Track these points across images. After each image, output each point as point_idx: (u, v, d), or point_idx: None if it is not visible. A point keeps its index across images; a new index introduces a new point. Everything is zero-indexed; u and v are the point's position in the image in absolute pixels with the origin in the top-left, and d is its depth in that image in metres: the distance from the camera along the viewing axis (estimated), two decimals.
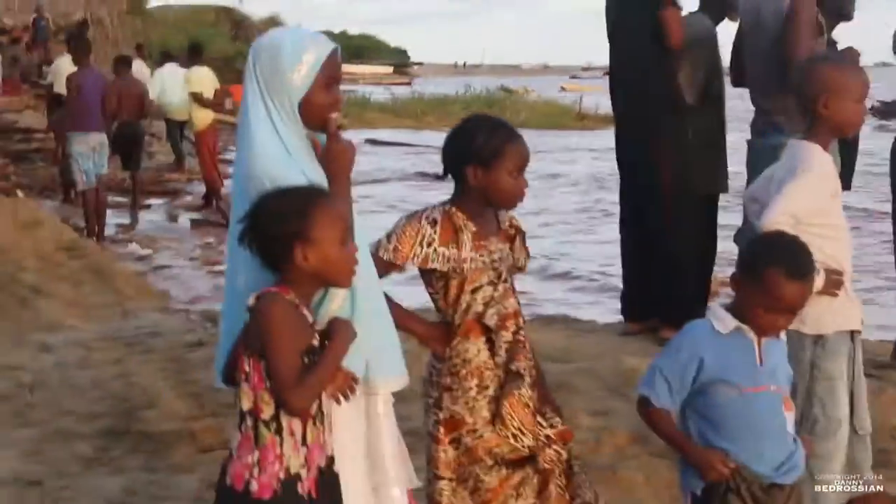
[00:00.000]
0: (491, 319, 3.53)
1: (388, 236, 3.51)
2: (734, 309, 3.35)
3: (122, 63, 14.78)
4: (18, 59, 25.94)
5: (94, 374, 6.42)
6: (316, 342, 2.79)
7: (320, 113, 3.04)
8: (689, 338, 3.41)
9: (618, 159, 6.97)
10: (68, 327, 7.61)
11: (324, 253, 2.78)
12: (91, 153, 12.13)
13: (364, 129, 30.23)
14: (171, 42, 36.86)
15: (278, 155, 2.97)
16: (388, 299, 3.58)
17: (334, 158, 3.06)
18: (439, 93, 41.63)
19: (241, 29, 46.29)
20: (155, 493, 4.78)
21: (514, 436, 3.52)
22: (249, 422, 2.77)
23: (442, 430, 3.54)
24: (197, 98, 15.11)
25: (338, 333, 2.82)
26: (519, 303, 3.66)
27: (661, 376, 3.38)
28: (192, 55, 16.11)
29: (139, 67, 19.40)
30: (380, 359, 3.13)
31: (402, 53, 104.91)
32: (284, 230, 2.77)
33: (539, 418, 3.60)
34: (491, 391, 3.53)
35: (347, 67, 76.89)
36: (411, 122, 33.47)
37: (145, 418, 5.67)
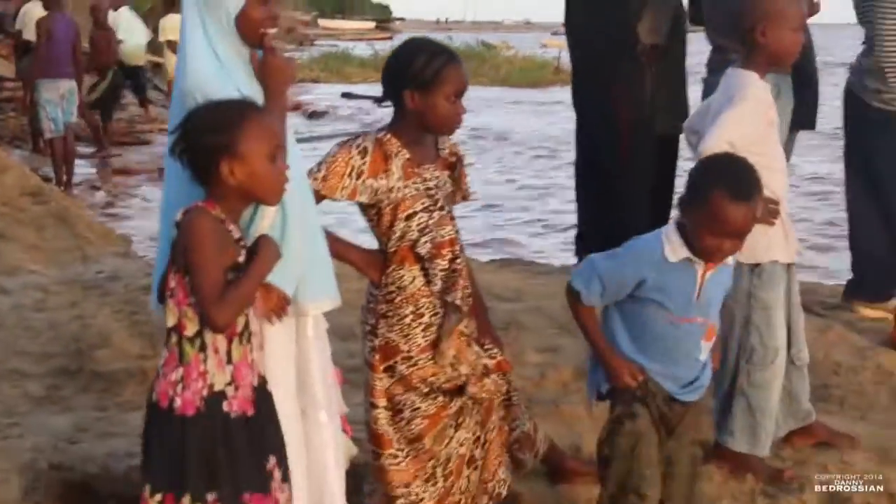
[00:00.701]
0: (423, 247, 3.50)
1: (319, 165, 3.46)
2: (684, 234, 3.32)
3: (96, 10, 14.70)
4: None
5: (49, 317, 6.37)
6: (242, 259, 2.75)
7: (255, 27, 2.99)
8: (636, 255, 3.38)
9: (574, 105, 6.91)
10: (28, 271, 7.53)
11: (251, 168, 2.73)
12: (60, 101, 12.01)
13: (342, 83, 30.03)
14: None
15: (212, 70, 2.93)
16: (323, 228, 3.60)
17: (270, 73, 3.01)
18: None
19: None
20: (104, 430, 4.75)
21: (451, 364, 3.52)
22: (174, 339, 2.75)
23: (377, 356, 3.53)
24: (171, 46, 15.00)
25: (262, 250, 2.78)
26: (457, 231, 3.62)
27: (598, 278, 3.37)
28: (167, 3, 15.96)
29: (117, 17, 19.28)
30: (310, 280, 3.11)
31: (385, 9, 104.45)
32: (211, 143, 2.71)
33: (477, 348, 3.60)
34: (426, 319, 3.51)
35: (329, 23, 76.78)
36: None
37: (97, 358, 5.63)
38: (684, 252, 3.31)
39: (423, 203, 3.51)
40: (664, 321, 3.34)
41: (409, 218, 3.50)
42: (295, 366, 3.13)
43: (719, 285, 3.42)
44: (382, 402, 3.55)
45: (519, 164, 16.81)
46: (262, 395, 2.84)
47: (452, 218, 3.62)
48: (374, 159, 3.45)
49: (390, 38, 65.23)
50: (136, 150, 16.16)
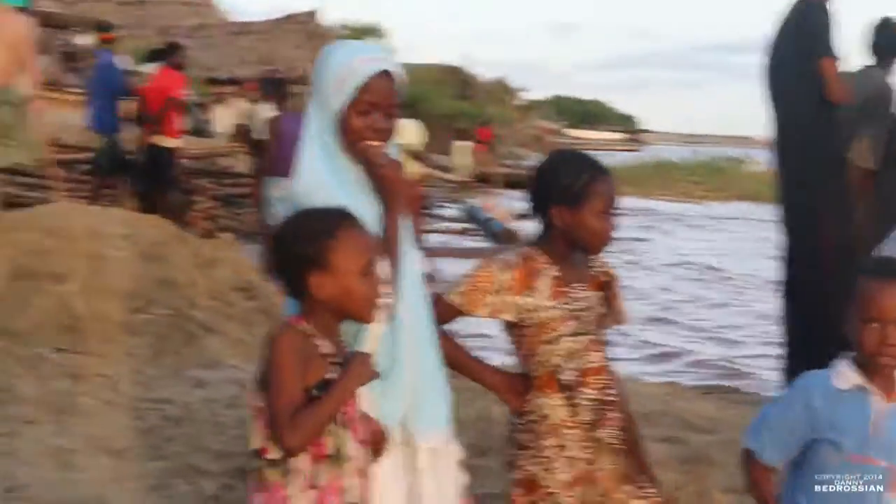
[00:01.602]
0: (567, 374, 3.24)
1: (462, 280, 3.26)
2: (860, 365, 2.93)
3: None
4: None
5: (239, 414, 6.35)
6: (333, 376, 2.56)
7: (354, 138, 2.82)
8: (801, 388, 3.01)
9: (782, 224, 6.53)
10: (228, 366, 7.61)
11: (340, 283, 2.57)
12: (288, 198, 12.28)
13: None
14: None
15: (322, 174, 2.80)
16: (459, 346, 3.36)
17: (382, 186, 2.84)
18: (664, 158, 40.98)
19: (467, 88, 46.99)
20: None
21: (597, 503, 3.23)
22: (256, 463, 2.58)
23: (518, 491, 3.26)
24: (406, 151, 15.22)
25: (348, 369, 2.58)
26: (608, 357, 3.35)
27: (767, 427, 3.02)
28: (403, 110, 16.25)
29: None
30: (420, 408, 2.88)
31: (632, 120, 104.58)
32: (300, 254, 2.58)
33: (628, 487, 3.29)
34: (571, 452, 3.23)
35: (576, 133, 77.59)
36: (632, 189, 32.95)
37: None
38: (856, 378, 2.92)
39: (569, 325, 3.25)
40: (837, 462, 2.91)
41: (553, 341, 3.24)
42: (405, 500, 2.87)
43: None
44: None
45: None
46: None
47: (603, 343, 3.34)
48: (519, 276, 3.23)
49: (636, 149, 65.40)
50: None
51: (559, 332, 3.23)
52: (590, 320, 3.29)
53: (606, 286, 3.40)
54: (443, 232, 18.77)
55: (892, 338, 2.82)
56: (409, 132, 15.27)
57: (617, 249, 3.34)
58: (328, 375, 2.55)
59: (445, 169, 31.27)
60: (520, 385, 3.31)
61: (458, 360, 3.36)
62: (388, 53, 2.91)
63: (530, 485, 3.24)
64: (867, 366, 2.90)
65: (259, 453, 2.56)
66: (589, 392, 3.24)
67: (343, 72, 2.78)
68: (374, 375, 2.62)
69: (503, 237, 17.62)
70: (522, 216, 20.08)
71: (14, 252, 8.13)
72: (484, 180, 30.41)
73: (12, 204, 11.66)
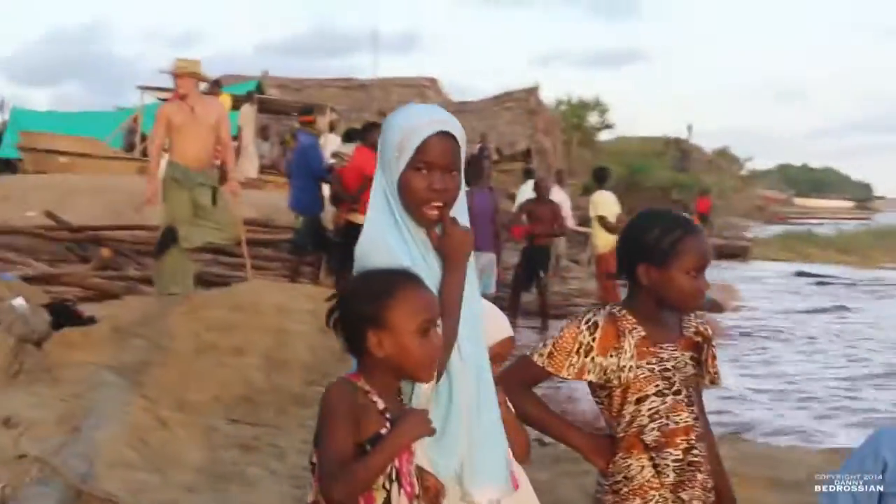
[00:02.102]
0: (650, 435, 3.17)
1: (546, 340, 3.25)
2: None
3: (539, 185, 15.19)
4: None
5: None
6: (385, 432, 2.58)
7: (412, 198, 2.80)
8: (873, 441, 2.91)
9: None
10: None
11: (398, 342, 2.59)
12: (479, 273, 12.40)
13: (801, 262, 29.07)
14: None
15: (386, 235, 2.79)
16: (546, 407, 3.35)
17: (447, 245, 2.83)
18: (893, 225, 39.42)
19: (687, 160, 46.48)
20: None
21: None
22: None
23: None
24: (602, 221, 15.19)
25: (400, 423, 2.58)
26: (698, 418, 3.25)
27: (846, 493, 2.91)
28: (599, 179, 16.23)
29: (556, 193, 19.97)
30: (477, 462, 2.83)
31: (866, 188, 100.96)
32: (360, 313, 2.62)
33: None
34: None
35: (805, 202, 75.61)
36: (855, 259, 31.65)
37: None
38: None
39: (656, 386, 3.18)
40: None
41: (639, 401, 3.18)
42: None
43: None
44: None
45: None
46: None
47: (691, 403, 3.24)
48: (604, 335, 3.18)
49: (868, 217, 63.08)
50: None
51: (645, 392, 3.18)
52: (679, 380, 3.21)
53: (700, 347, 3.31)
54: None
55: None
56: (603, 203, 15.29)
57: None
58: (383, 431, 2.57)
59: None
60: (606, 446, 3.26)
61: (544, 422, 3.35)
62: (449, 117, 2.93)
63: None
64: None
65: None
66: (674, 453, 3.17)
67: (404, 133, 2.80)
68: (428, 431, 2.62)
69: (709, 307, 17.24)
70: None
71: (200, 327, 8.50)
72: None
73: (212, 283, 12.22)
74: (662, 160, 44.73)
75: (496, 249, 12.61)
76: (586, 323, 3.21)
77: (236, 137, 21.65)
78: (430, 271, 2.80)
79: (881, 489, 2.83)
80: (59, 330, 8.96)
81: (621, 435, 3.21)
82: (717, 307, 17.28)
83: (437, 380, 2.76)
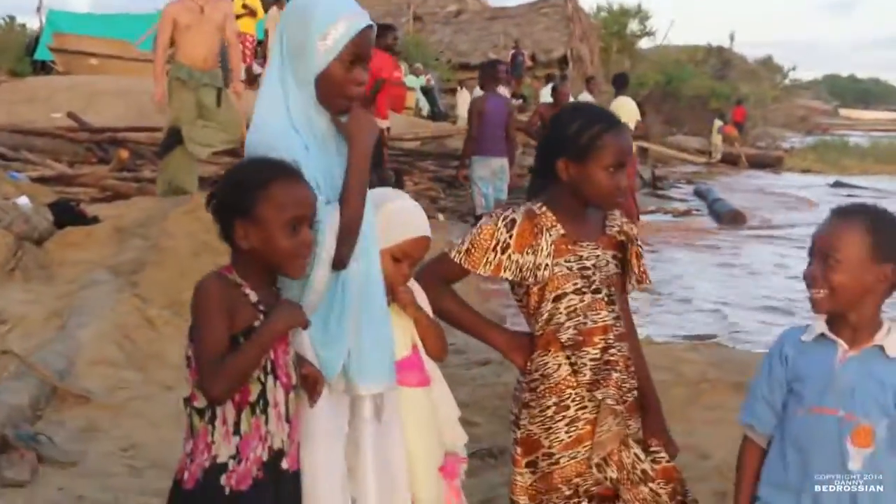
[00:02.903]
0: (566, 333, 3.14)
1: (464, 237, 3.22)
2: (831, 318, 2.80)
3: (556, 91, 15.06)
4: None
5: None
6: (258, 324, 2.56)
7: (338, 91, 2.79)
8: (777, 342, 2.89)
9: None
10: None
11: (265, 235, 2.57)
12: (491, 178, 12.32)
13: (837, 174, 28.69)
14: (648, 79, 37.25)
15: (279, 127, 2.76)
16: (464, 305, 3.35)
17: (351, 125, 2.82)
18: None
19: (727, 68, 45.79)
20: None
21: (598, 465, 3.13)
22: (187, 410, 2.60)
23: (519, 450, 3.20)
24: None
25: (273, 314, 2.57)
26: (619, 317, 3.22)
27: (760, 396, 2.89)
28: (618, 86, 16.05)
29: (586, 99, 19.79)
30: (364, 358, 2.84)
31: None
32: (229, 203, 2.59)
33: (637, 450, 3.17)
34: (571, 412, 3.14)
35: (850, 112, 74.26)
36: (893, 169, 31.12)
37: None
38: (821, 327, 2.79)
39: (574, 284, 3.15)
40: (799, 414, 2.77)
41: (557, 299, 3.15)
42: (347, 449, 2.84)
43: (870, 376, 2.73)
44: (523, 499, 3.19)
45: None
46: (272, 470, 2.61)
47: (612, 302, 3.21)
48: (521, 232, 3.14)
49: None
50: None
51: (563, 289, 3.14)
52: (599, 279, 3.18)
53: (624, 246, 3.28)
54: (667, 211, 18.35)
55: (812, 269, 2.78)
56: (623, 109, 15.14)
57: None
58: (256, 323, 2.55)
59: (683, 149, 30.67)
60: (525, 344, 3.25)
61: (463, 319, 3.34)
62: (363, 8, 2.90)
63: (531, 444, 3.17)
64: (837, 318, 2.77)
65: (188, 401, 2.60)
66: (592, 351, 3.15)
67: (331, 24, 2.77)
68: (301, 322, 2.62)
69: (728, 218, 17.12)
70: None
71: (199, 228, 8.51)
72: (730, 161, 29.68)
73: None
74: (702, 69, 44.03)
75: (509, 155, 12.49)
76: (504, 220, 3.17)
77: (262, 42, 21.56)
78: (325, 158, 2.80)
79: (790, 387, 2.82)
80: (62, 229, 9.07)
81: (539, 333, 3.19)
82: (739, 217, 17.17)
83: (341, 268, 2.75)
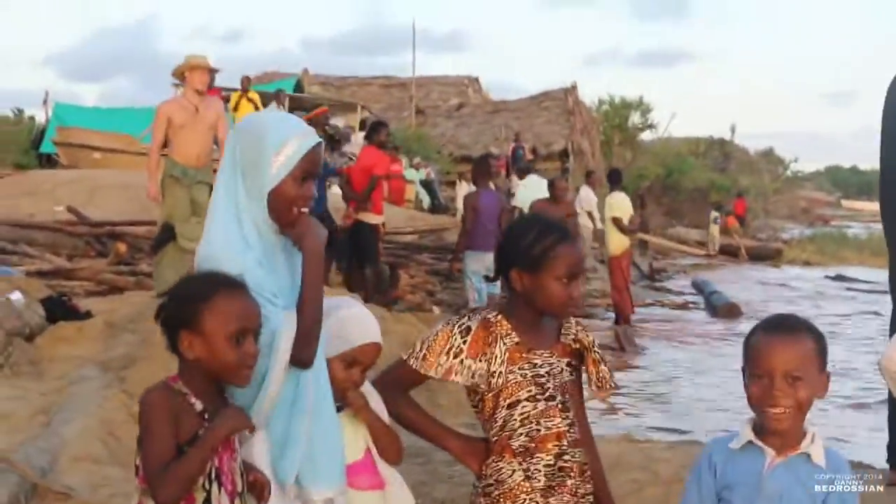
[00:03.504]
0: (517, 440, 3.20)
1: (422, 342, 3.29)
2: (757, 424, 2.88)
3: (553, 186, 15.20)
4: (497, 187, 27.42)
5: None
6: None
7: (289, 205, 2.91)
8: (705, 451, 2.96)
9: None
10: None
11: (209, 347, 2.66)
12: (485, 272, 12.44)
13: (835, 265, 28.77)
14: (649, 171, 37.57)
15: (231, 241, 2.86)
16: (419, 410, 3.42)
17: (300, 232, 2.92)
18: None
19: (728, 161, 46.19)
20: None
21: None
22: None
23: None
24: (616, 223, 15.21)
25: (217, 420, 2.65)
26: (573, 424, 3.28)
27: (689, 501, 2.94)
28: (612, 181, 16.23)
29: (586, 193, 19.99)
30: (315, 464, 2.92)
31: None
32: (175, 315, 2.69)
33: None
34: None
35: (853, 204, 74.55)
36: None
37: None
38: (748, 435, 2.86)
39: (528, 391, 3.22)
40: None
41: (511, 406, 3.22)
42: None
43: (797, 482, 2.80)
44: None
45: None
46: None
47: (567, 409, 3.27)
48: (475, 339, 3.22)
49: None
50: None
51: (517, 396, 3.21)
52: (553, 386, 3.25)
53: (580, 353, 3.35)
54: (663, 304, 18.43)
55: (777, 389, 2.78)
56: (616, 204, 15.30)
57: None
58: (201, 432, 2.63)
59: (683, 241, 30.85)
60: (480, 449, 3.30)
61: (418, 425, 3.40)
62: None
63: None
64: (764, 425, 2.84)
65: None
66: (546, 458, 3.20)
67: (284, 143, 2.90)
68: (245, 425, 2.69)
69: (724, 312, 17.19)
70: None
71: None
72: (730, 253, 29.83)
73: None
74: (704, 161, 44.46)
75: None
76: (459, 327, 3.25)
77: None
78: (277, 273, 2.90)
79: (719, 496, 2.88)
80: (54, 324, 9.14)
81: (494, 439, 3.25)
82: (735, 310, 17.23)
83: (307, 367, 2.85)
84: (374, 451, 3.26)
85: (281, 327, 2.80)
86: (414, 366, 3.26)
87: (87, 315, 9.47)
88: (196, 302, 2.67)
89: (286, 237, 2.96)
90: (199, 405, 2.67)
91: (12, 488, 5.49)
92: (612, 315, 15.65)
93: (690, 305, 18.28)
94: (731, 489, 2.84)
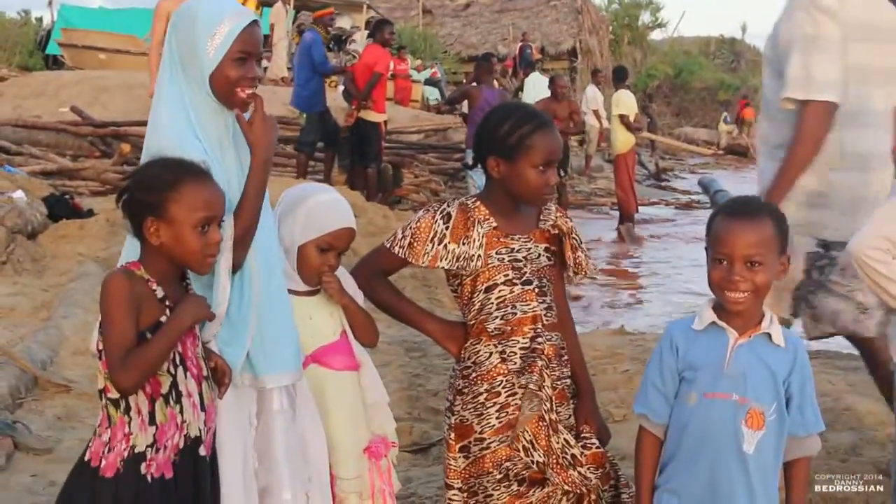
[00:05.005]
0: (493, 323, 3.26)
1: (404, 229, 3.32)
2: (717, 306, 2.92)
3: (554, 83, 15.10)
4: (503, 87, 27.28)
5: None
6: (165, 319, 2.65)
7: (230, 87, 2.87)
8: (666, 333, 3.01)
9: None
10: None
11: (175, 233, 2.66)
12: None
13: None
14: (658, 71, 37.24)
15: (181, 131, 2.84)
16: (401, 296, 3.47)
17: (254, 132, 2.88)
18: None
19: (739, 60, 45.76)
20: None
21: (525, 449, 3.23)
22: (102, 401, 2.68)
23: (452, 435, 3.30)
24: (622, 120, 15.13)
25: (178, 308, 2.66)
26: (550, 307, 3.32)
27: (650, 384, 3.00)
28: (618, 79, 16.12)
29: (592, 92, 19.88)
30: (271, 352, 2.95)
31: None
32: (141, 200, 2.67)
33: (567, 435, 3.27)
34: (501, 399, 3.24)
35: None
36: None
37: None
38: (710, 316, 2.91)
39: (505, 275, 3.26)
40: (693, 402, 2.89)
41: (488, 290, 3.27)
42: (258, 440, 2.96)
43: (760, 362, 2.86)
44: (457, 483, 3.30)
45: None
46: (190, 457, 2.72)
47: (544, 293, 3.32)
48: (455, 225, 3.26)
49: None
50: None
51: (493, 280, 3.26)
52: (531, 271, 3.29)
53: (559, 238, 3.37)
54: (669, 203, 18.43)
55: (736, 274, 2.81)
56: (622, 102, 15.22)
57: None
58: (163, 319, 2.65)
59: (691, 141, 30.71)
60: (459, 332, 3.36)
61: (398, 309, 3.45)
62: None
63: (463, 429, 3.28)
64: (724, 306, 2.88)
65: (103, 392, 2.67)
66: (522, 340, 3.25)
67: (217, 25, 2.86)
68: (206, 314, 2.72)
69: None
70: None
71: None
72: (737, 153, 29.71)
73: None
74: (714, 61, 44.07)
75: None
76: (441, 213, 3.29)
77: (266, 36, 21.66)
78: (232, 163, 2.90)
79: (681, 376, 2.94)
80: (56, 222, 9.22)
81: (471, 322, 3.30)
82: None
83: (234, 272, 2.85)
84: (349, 333, 3.31)
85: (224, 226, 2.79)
86: (399, 254, 3.29)
87: (89, 213, 9.55)
88: (164, 189, 2.66)
89: (237, 125, 2.94)
90: (160, 292, 2.68)
91: (13, 381, 5.60)
92: (617, 213, 15.65)
93: (695, 204, 18.26)
94: (694, 369, 2.90)
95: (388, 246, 3.34)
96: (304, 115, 13.41)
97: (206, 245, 2.69)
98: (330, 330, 3.26)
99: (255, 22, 2.92)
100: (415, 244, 3.28)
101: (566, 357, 3.38)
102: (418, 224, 3.30)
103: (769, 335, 2.88)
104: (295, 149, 13.86)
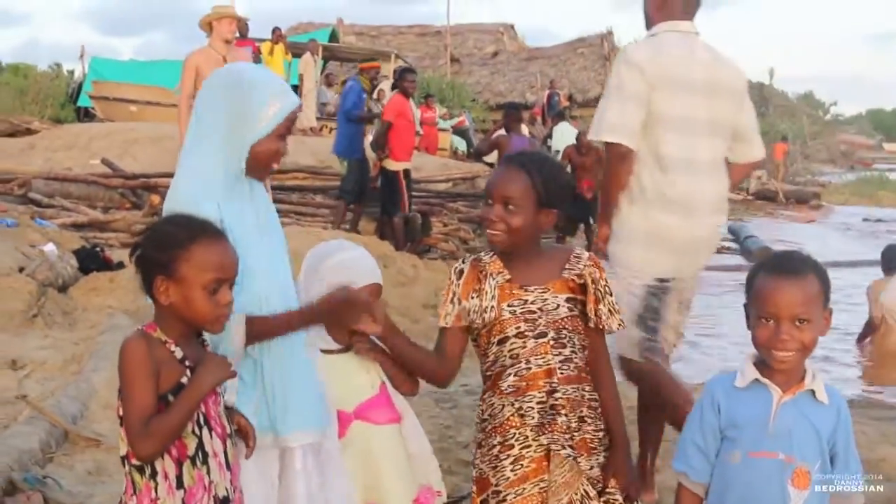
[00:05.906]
0: (506, 381, 3.24)
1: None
2: (760, 363, 2.88)
3: (581, 137, 15.10)
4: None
5: None
6: (186, 380, 2.62)
7: (270, 159, 2.98)
8: (707, 391, 2.95)
9: None
10: None
11: (184, 294, 2.62)
12: None
13: (872, 206, 28.52)
14: None
15: (203, 188, 2.88)
16: (406, 339, 3.43)
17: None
18: None
19: (768, 105, 45.72)
20: None
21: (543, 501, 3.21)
22: (126, 468, 2.64)
23: (474, 488, 3.32)
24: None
25: (198, 371, 2.63)
26: (568, 360, 3.26)
27: (693, 444, 2.95)
28: None
29: None
30: (290, 409, 2.96)
31: None
32: (152, 258, 2.64)
33: (586, 486, 3.23)
34: (515, 451, 3.22)
35: (894, 147, 73.62)
36: None
37: None
38: (753, 373, 2.85)
39: (517, 328, 3.24)
40: (736, 461, 2.83)
41: (501, 342, 3.26)
42: (279, 499, 2.97)
43: (805, 419, 2.81)
44: None
45: None
46: None
47: (562, 346, 3.26)
48: (467, 280, 3.29)
49: None
50: None
51: (505, 333, 3.24)
52: (545, 322, 3.25)
53: (583, 288, 3.31)
54: None
55: (784, 333, 2.76)
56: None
57: None
58: (183, 380, 2.61)
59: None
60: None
61: (405, 350, 3.42)
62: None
63: (482, 482, 3.27)
64: (766, 363, 2.84)
65: (126, 458, 2.64)
66: (538, 395, 3.21)
67: (272, 100, 2.96)
68: (228, 374, 2.68)
69: (759, 255, 17.07)
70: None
71: None
72: (767, 197, 29.59)
73: None
74: None
75: None
76: (455, 272, 3.32)
77: (295, 87, 21.80)
78: (243, 224, 2.94)
79: (723, 434, 2.89)
80: (87, 275, 9.25)
81: (488, 374, 3.31)
82: (769, 254, 17.09)
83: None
84: (388, 385, 3.31)
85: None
86: (441, 325, 3.33)
87: (119, 266, 9.58)
88: (173, 249, 2.62)
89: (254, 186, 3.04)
90: (178, 352, 2.64)
91: (43, 435, 5.59)
92: None
93: (724, 251, 18.15)
94: (738, 427, 2.84)
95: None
96: (345, 163, 13.48)
97: (216, 306, 2.65)
98: (368, 384, 3.30)
99: (300, 105, 3.05)
100: (440, 309, 3.33)
101: (596, 407, 3.32)
102: (445, 290, 3.33)
103: (812, 392, 2.83)
104: (336, 197, 14.03)
